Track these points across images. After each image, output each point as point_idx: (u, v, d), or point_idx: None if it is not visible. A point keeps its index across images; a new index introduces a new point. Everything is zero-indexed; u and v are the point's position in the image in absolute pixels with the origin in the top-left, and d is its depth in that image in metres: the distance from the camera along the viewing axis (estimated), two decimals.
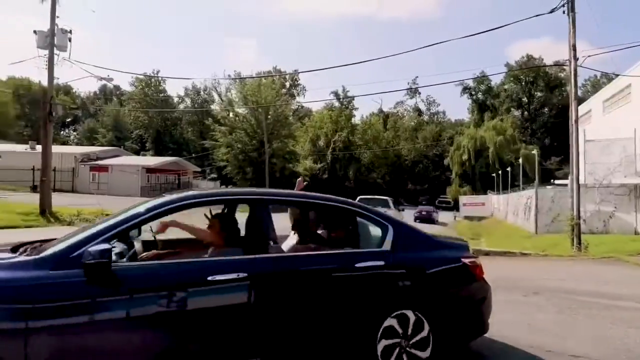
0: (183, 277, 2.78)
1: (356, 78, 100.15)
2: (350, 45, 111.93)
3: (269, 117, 46.80)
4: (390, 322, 3.24)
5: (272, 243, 3.22)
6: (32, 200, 25.72)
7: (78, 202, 26.29)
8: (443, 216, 36.87)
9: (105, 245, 2.56)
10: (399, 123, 74.22)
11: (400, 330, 3.26)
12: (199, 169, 54.43)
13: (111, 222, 2.93)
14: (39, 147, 44.74)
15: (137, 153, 62.77)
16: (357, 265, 3.27)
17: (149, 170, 43.12)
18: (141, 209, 2.98)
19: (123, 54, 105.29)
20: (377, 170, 63.14)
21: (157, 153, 62.79)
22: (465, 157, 56.21)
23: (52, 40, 22.91)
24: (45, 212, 19.87)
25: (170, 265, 2.95)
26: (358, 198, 20.52)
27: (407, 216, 25.88)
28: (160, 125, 73.54)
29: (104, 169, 41.50)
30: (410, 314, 3.31)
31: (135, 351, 2.63)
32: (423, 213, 33.41)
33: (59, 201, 22.45)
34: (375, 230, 3.65)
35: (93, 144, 63.14)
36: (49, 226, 18.38)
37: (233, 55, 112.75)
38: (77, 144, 62.27)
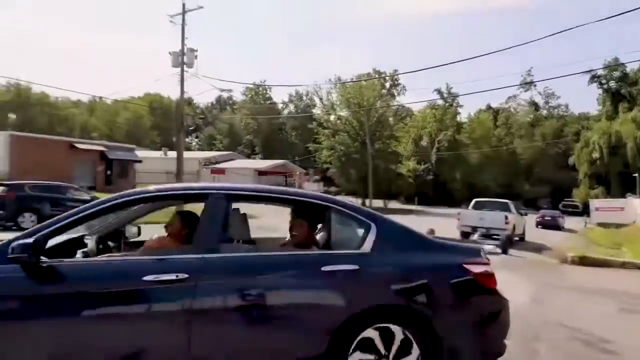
0: (116, 277, 2.65)
1: (461, 75, 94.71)
2: (453, 41, 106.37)
3: (372, 118, 46.65)
4: (370, 334, 2.80)
5: (236, 242, 3.09)
6: None
7: None
8: (570, 222, 32.65)
9: (27, 240, 2.45)
10: (511, 119, 68.08)
11: (382, 348, 2.80)
12: (304, 171, 56.79)
13: (57, 218, 2.81)
14: (170, 153, 51.01)
15: (248, 157, 67.80)
16: (323, 269, 2.81)
17: (260, 172, 46.23)
18: (89, 205, 2.91)
19: (235, 67, 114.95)
20: (487, 171, 58.67)
21: (266, 156, 67.02)
22: (596, 154, 49.08)
23: (182, 60, 25.86)
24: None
25: (105, 264, 2.84)
26: (473, 202, 19.19)
27: (530, 221, 23.43)
28: (267, 131, 78.45)
29: (222, 171, 45.62)
30: (396, 330, 2.82)
31: (59, 348, 2.53)
32: (547, 218, 29.93)
33: None
34: (358, 230, 3.19)
35: (212, 149, 69.91)
36: None
37: (334, 59, 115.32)
38: (199, 150, 69.64)
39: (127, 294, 2.60)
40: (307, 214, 3.48)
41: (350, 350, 2.75)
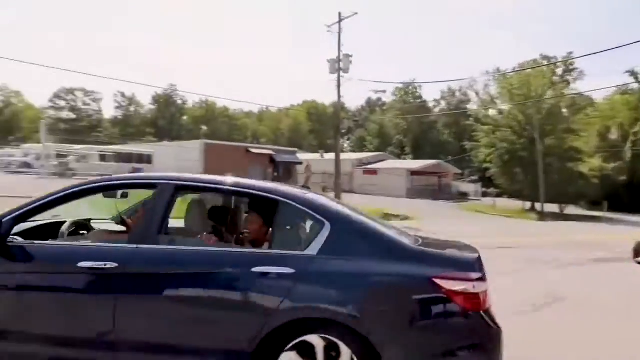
0: (58, 260, 2.80)
1: None
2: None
3: (541, 110, 40.87)
4: (311, 339, 2.42)
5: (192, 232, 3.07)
6: None
7: (360, 201, 30.26)
8: None
9: None
10: None
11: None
12: (459, 171, 53.39)
13: (24, 203, 2.97)
14: (326, 155, 54.18)
15: (397, 157, 67.36)
16: (254, 269, 2.49)
17: (413, 172, 45.22)
18: (51, 193, 2.97)
19: (384, 68, 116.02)
20: None
21: (416, 157, 65.51)
22: None
23: (339, 66, 26.98)
24: None
25: (53, 247, 2.96)
26: None
27: None
28: (417, 130, 76.63)
29: (374, 172, 46.27)
30: (342, 346, 2.39)
31: (14, 317, 2.74)
32: None
33: (344, 200, 26.37)
34: (310, 229, 2.82)
35: (362, 151, 71.79)
36: None
37: (489, 50, 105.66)
38: (351, 152, 72.39)
39: (64, 275, 2.77)
40: (261, 208, 3.19)
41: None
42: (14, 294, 2.82)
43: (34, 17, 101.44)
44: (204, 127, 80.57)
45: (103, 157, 31.45)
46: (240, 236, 3.49)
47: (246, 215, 3.61)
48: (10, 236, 2.80)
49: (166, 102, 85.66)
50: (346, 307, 2.44)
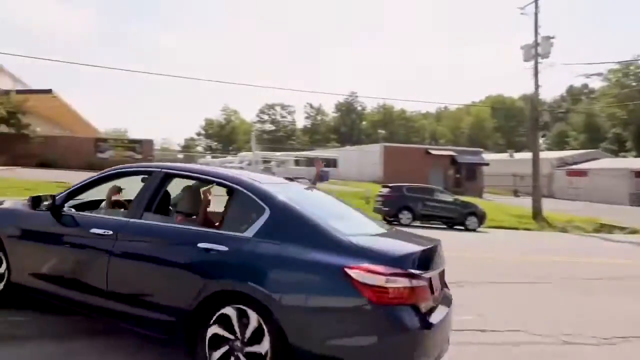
0: (81, 226, 3.59)
1: None
2: None
3: None
4: (229, 312, 2.75)
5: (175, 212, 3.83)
6: (518, 203, 27.63)
7: (563, 208, 25.61)
8: None
9: (48, 200, 3.77)
10: None
11: (237, 329, 2.70)
12: None
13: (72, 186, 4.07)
14: (516, 155, 48.24)
15: (615, 154, 54.84)
16: (199, 245, 2.96)
17: (638, 173, 35.95)
18: (87, 178, 4.02)
19: (589, 49, 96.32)
20: None
21: None
22: None
23: (536, 51, 23.41)
24: (538, 216, 20.35)
25: (80, 217, 3.71)
26: None
27: None
28: None
29: (582, 173, 38.71)
30: (252, 315, 2.66)
31: (58, 263, 3.72)
32: None
33: (544, 206, 22.54)
34: (253, 213, 3.03)
35: (563, 149, 61.24)
36: (543, 230, 18.67)
37: None
38: (546, 150, 62.68)
39: (83, 238, 3.52)
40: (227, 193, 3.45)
41: (211, 322, 2.80)
42: (58, 247, 3.71)
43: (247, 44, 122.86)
44: (382, 131, 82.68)
45: (297, 162, 35.41)
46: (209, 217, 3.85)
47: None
48: (65, 207, 3.75)
49: (347, 110, 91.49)
50: (263, 285, 2.65)
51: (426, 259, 2.81)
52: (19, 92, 27.49)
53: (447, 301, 3.12)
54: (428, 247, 2.93)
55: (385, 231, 3.47)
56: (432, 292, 2.79)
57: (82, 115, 41.20)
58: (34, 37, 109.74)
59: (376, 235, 3.23)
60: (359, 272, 2.48)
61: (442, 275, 3.23)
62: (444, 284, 3.28)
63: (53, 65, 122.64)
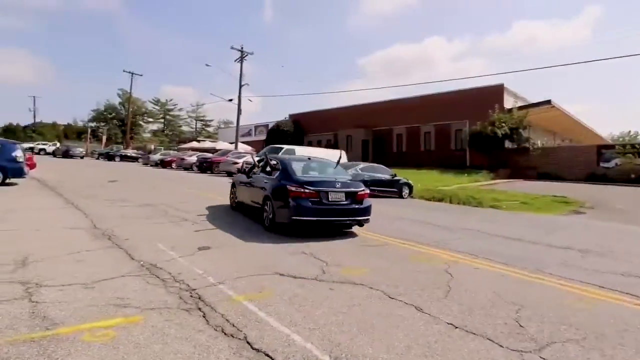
0: (253, 179, 9.55)
1: None
2: None
3: None
4: (266, 201, 8.38)
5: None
6: None
7: None
8: None
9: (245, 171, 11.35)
10: None
11: (267, 207, 8.30)
12: None
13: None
14: None
15: None
16: (264, 181, 8.94)
17: None
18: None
19: None
20: None
21: None
22: None
23: None
24: None
25: (251, 175, 9.70)
26: None
27: None
28: None
29: None
30: (268, 202, 8.26)
31: (246, 192, 9.91)
32: None
33: None
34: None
35: None
36: None
37: None
38: None
39: (251, 184, 9.44)
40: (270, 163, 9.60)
41: (264, 204, 8.54)
42: (244, 187, 9.85)
43: None
44: None
45: None
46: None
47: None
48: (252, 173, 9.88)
49: None
50: (272, 193, 8.03)
51: (319, 184, 7.75)
52: (520, 108, 29.03)
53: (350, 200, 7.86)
54: (325, 180, 8.03)
55: (325, 176, 8.54)
56: (321, 197, 7.58)
57: (583, 123, 38.09)
58: (529, 53, 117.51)
59: (315, 177, 8.34)
60: (291, 188, 7.56)
61: (348, 195, 7.86)
62: (352, 197, 7.87)
63: (545, 75, 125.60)
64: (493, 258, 6.40)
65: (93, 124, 79.95)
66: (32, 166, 17.87)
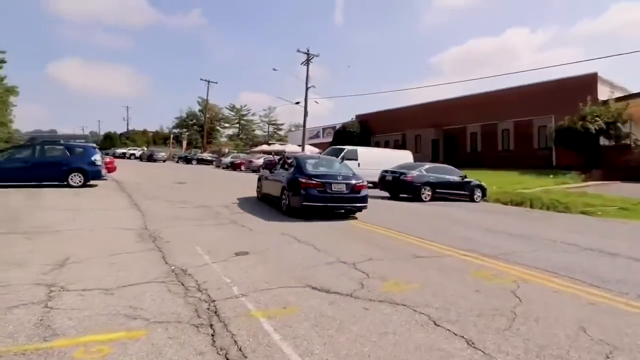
0: (274, 174, 11.67)
1: None
2: None
3: None
4: (284, 191, 10.14)
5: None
6: None
7: None
8: None
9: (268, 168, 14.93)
10: None
11: (283, 195, 10.15)
12: None
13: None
14: None
15: None
16: (282, 175, 10.75)
17: None
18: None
19: None
20: None
21: None
22: None
23: None
24: None
25: (273, 172, 11.98)
26: None
27: None
28: None
29: None
30: (285, 191, 10.01)
31: (269, 186, 11.69)
32: None
33: None
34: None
35: None
36: None
37: None
38: None
39: (275, 179, 11.29)
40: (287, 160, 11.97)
41: (282, 195, 10.34)
42: (267, 181, 11.97)
43: None
44: None
45: None
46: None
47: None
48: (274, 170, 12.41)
49: None
50: (287, 184, 9.86)
51: (324, 177, 9.57)
52: (618, 99, 25.35)
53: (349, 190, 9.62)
54: (330, 174, 9.92)
55: (331, 171, 10.46)
56: (325, 187, 9.37)
57: None
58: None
59: (321, 171, 10.09)
60: (302, 180, 9.38)
61: (348, 186, 9.59)
62: (350, 188, 9.60)
63: None
64: (579, 278, 5.21)
65: (176, 130, 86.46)
66: (113, 169, 19.39)
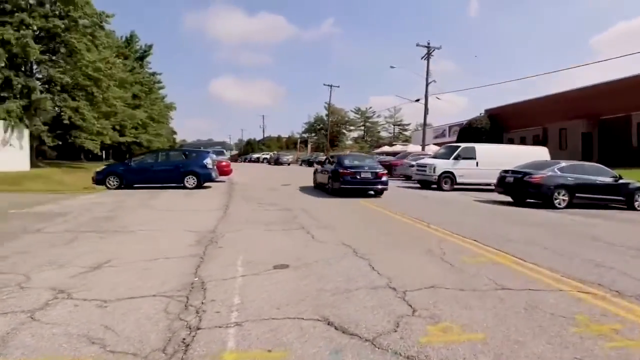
0: (324, 167, 15.96)
1: None
2: None
3: None
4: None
5: None
6: None
7: None
8: None
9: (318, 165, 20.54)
10: None
11: (328, 180, 14.67)
12: None
13: None
14: None
15: None
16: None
17: None
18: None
19: None
20: None
21: None
22: None
23: None
24: None
25: (323, 166, 16.47)
26: None
27: None
28: None
29: None
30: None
31: (322, 177, 15.66)
32: None
33: None
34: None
35: None
36: None
37: None
38: None
39: (324, 171, 15.70)
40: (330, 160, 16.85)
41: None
42: (319, 173, 16.49)
43: None
44: None
45: None
46: None
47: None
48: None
49: None
50: (330, 173, 14.48)
51: (355, 167, 13.68)
52: None
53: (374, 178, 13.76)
54: (360, 165, 13.93)
55: (361, 164, 14.34)
56: (355, 175, 13.51)
57: None
58: None
59: (354, 164, 14.01)
60: (340, 170, 13.53)
61: (372, 173, 13.68)
62: (374, 175, 13.69)
63: None
64: None
65: (305, 135, 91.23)
66: (229, 172, 20.76)
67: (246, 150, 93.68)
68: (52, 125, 24.19)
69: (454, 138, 46.46)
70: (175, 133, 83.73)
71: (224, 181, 19.55)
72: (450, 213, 10.67)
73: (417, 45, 35.50)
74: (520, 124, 36.27)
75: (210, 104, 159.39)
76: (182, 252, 5.80)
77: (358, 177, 13.49)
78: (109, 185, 14.86)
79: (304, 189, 16.38)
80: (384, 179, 13.78)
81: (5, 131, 19.58)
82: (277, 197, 13.08)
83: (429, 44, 35.43)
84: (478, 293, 4.18)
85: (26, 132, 21.08)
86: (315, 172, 17.39)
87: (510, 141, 35.51)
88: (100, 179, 15.07)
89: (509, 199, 13.42)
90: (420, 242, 6.66)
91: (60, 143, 24.72)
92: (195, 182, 15.35)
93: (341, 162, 14.28)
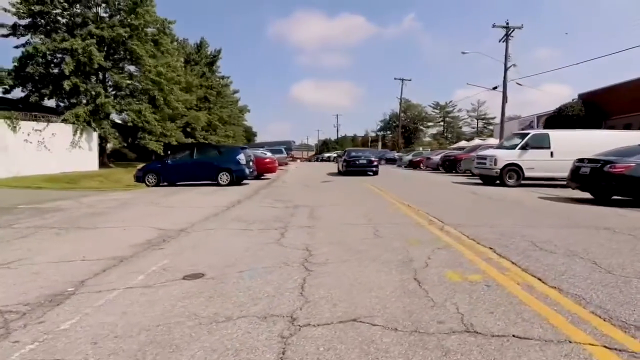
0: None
1: None
2: None
3: None
4: None
5: None
6: None
7: None
8: None
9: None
10: None
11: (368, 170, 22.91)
12: None
13: None
14: None
15: None
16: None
17: None
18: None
19: None
20: None
21: None
22: None
23: None
24: None
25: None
26: None
27: None
28: None
29: None
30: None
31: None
32: None
33: None
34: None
35: None
36: None
37: None
38: None
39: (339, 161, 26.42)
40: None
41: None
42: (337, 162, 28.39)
43: None
44: None
45: None
46: None
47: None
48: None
49: None
50: (341, 161, 23.85)
51: (355, 157, 22.68)
52: None
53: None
54: (358, 156, 22.69)
55: (361, 154, 23.11)
56: (355, 162, 21.97)
57: None
58: None
59: (355, 156, 22.81)
60: (346, 158, 22.75)
61: (367, 161, 21.95)
62: (369, 162, 21.94)
63: None
64: None
65: (380, 133, 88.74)
66: (273, 169, 20.16)
67: (321, 150, 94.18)
68: (120, 128, 25.88)
69: (542, 129, 40.88)
70: (255, 135, 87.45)
71: (268, 178, 18.96)
72: (488, 213, 8.46)
73: (494, 26, 31.77)
74: (624, 109, 30.49)
75: (292, 107, 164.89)
76: (112, 253, 4.94)
77: (356, 163, 21.77)
78: (147, 183, 15.00)
79: (337, 189, 14.96)
80: (374, 164, 21.83)
81: (75, 134, 21.25)
82: (295, 195, 11.91)
83: (507, 23, 31.52)
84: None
85: (95, 135, 22.75)
86: (337, 162, 27.63)
87: (611, 129, 29.98)
88: (140, 177, 15.30)
89: (587, 195, 10.62)
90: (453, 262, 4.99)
91: (125, 145, 26.24)
92: (229, 179, 14.84)
93: (346, 154, 23.35)
